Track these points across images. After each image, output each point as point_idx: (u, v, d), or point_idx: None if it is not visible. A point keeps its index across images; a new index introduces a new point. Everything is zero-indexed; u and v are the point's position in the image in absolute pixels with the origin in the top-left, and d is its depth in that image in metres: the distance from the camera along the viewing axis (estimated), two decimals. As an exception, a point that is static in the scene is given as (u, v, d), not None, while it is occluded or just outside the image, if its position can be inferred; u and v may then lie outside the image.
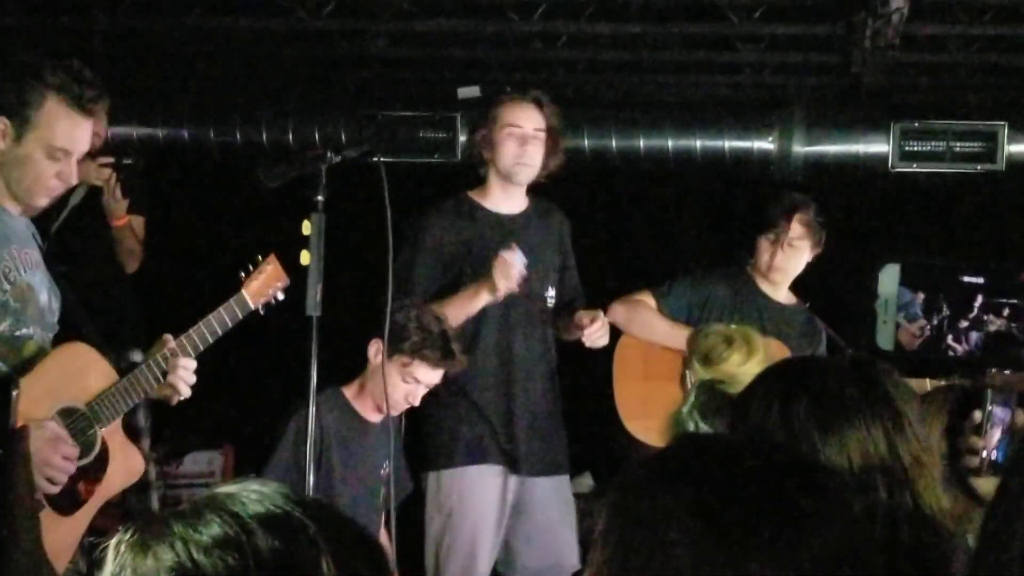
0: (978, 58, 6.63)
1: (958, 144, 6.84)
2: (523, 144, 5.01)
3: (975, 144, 6.82)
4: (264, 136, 7.10)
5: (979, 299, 1.62)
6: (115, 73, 6.75)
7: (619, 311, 5.33)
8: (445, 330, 4.67)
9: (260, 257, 4.11)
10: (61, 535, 3.76)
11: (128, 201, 5.78)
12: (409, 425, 5.35)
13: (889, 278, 1.62)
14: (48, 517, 3.66)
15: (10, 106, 3.60)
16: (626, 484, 1.51)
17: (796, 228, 5.35)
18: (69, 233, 5.64)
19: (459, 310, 4.86)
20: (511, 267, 4.78)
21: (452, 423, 4.94)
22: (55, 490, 3.65)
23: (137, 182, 5.93)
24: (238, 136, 7.12)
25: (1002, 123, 6.81)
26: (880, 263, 1.64)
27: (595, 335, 4.99)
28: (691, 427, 2.83)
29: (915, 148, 6.86)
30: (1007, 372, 1.83)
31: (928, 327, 1.66)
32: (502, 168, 5.04)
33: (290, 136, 7.08)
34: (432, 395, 4.90)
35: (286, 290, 4.12)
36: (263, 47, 6.83)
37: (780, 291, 5.46)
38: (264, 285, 4.07)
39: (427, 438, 4.98)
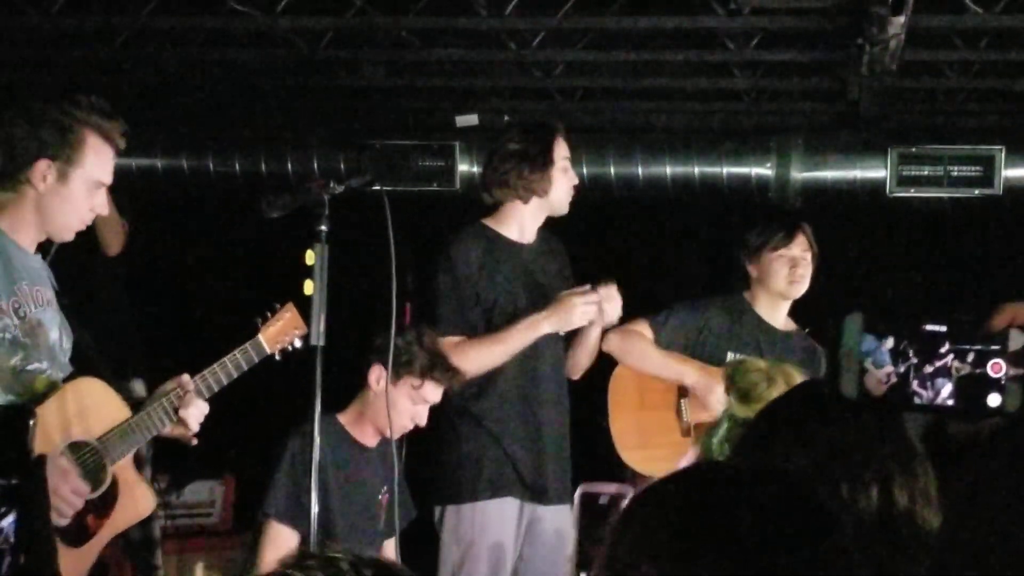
0: (975, 83, 6.66)
1: (956, 169, 6.86)
2: (572, 177, 5.03)
3: (973, 168, 6.84)
4: (263, 166, 7.12)
5: (945, 345, 1.63)
6: (113, 105, 6.78)
7: (614, 341, 5.29)
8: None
9: (278, 305, 4.15)
10: (68, 566, 3.76)
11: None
12: (413, 452, 5.35)
13: (853, 327, 1.63)
14: (58, 548, 3.69)
15: (53, 147, 3.68)
16: (632, 502, 1.52)
17: (802, 240, 5.36)
18: (63, 263, 5.64)
19: (516, 341, 4.86)
20: (590, 306, 4.81)
21: (475, 458, 4.88)
22: (63, 522, 3.67)
23: (123, 193, 5.94)
24: (237, 167, 7.14)
25: (999, 147, 6.83)
26: (843, 314, 1.66)
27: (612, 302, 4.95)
28: (719, 458, 2.81)
29: (913, 173, 6.88)
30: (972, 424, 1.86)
31: (894, 373, 1.67)
32: (556, 202, 5.00)
33: (289, 166, 7.10)
34: (452, 429, 4.89)
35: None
36: (261, 78, 6.85)
37: (779, 317, 5.44)
38: (280, 332, 4.13)
39: (448, 472, 4.91)
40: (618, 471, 5.60)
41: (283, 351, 4.14)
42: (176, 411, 3.89)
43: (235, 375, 4.01)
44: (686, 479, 1.56)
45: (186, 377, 3.94)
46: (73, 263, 5.68)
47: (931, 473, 2.08)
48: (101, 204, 3.80)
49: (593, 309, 4.85)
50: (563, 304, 4.83)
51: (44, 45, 6.41)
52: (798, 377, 3.09)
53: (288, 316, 4.15)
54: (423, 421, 4.71)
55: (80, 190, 3.73)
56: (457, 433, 4.91)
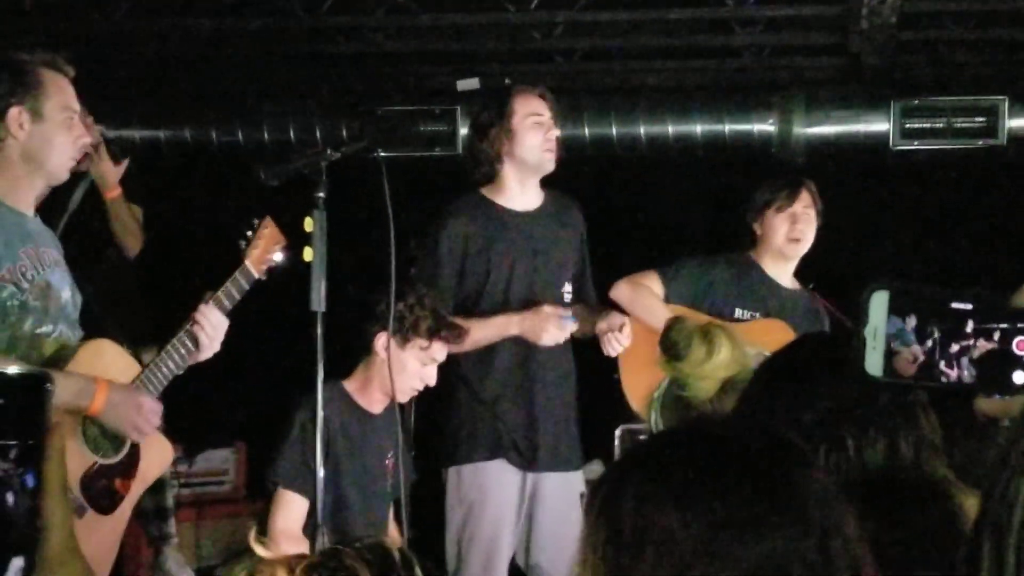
0: (976, 33, 6.63)
1: (959, 120, 6.83)
2: (548, 131, 5.01)
3: (976, 119, 6.82)
4: (265, 134, 7.13)
5: (970, 324, 1.64)
6: (115, 76, 6.80)
7: (624, 291, 5.31)
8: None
9: (256, 221, 4.14)
10: (105, 534, 3.87)
11: (122, 168, 5.82)
12: (420, 418, 5.37)
13: (878, 304, 1.63)
14: (90, 518, 3.78)
15: (18, 92, 3.69)
16: (610, 467, 1.56)
17: (805, 197, 5.37)
18: (72, 237, 5.66)
19: (484, 334, 4.90)
20: (561, 332, 4.88)
21: (471, 422, 4.94)
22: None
23: (134, 175, 5.97)
24: (240, 135, 7.16)
25: (1002, 97, 6.80)
26: (868, 290, 1.66)
27: (620, 340, 5.01)
28: (651, 422, 2.83)
29: (916, 126, 6.86)
30: (997, 398, 1.87)
31: (921, 352, 1.68)
32: (530, 158, 4.98)
33: (291, 133, 7.11)
34: (450, 397, 4.93)
35: (292, 283, 4.14)
36: (262, 46, 6.85)
37: (785, 275, 5.45)
38: (264, 251, 4.13)
39: (447, 435, 4.98)
40: (631, 420, 5.65)
41: (269, 270, 4.14)
42: (194, 336, 3.96)
43: (229, 307, 4.03)
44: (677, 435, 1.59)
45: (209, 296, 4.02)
46: (79, 235, 5.73)
47: (935, 421, 2.09)
48: (81, 132, 3.81)
49: (562, 336, 4.91)
50: (537, 319, 4.89)
51: (42, 18, 6.41)
52: (740, 343, 2.99)
53: (267, 232, 4.14)
54: (433, 380, 4.75)
55: (57, 123, 3.73)
56: (455, 399, 4.96)
